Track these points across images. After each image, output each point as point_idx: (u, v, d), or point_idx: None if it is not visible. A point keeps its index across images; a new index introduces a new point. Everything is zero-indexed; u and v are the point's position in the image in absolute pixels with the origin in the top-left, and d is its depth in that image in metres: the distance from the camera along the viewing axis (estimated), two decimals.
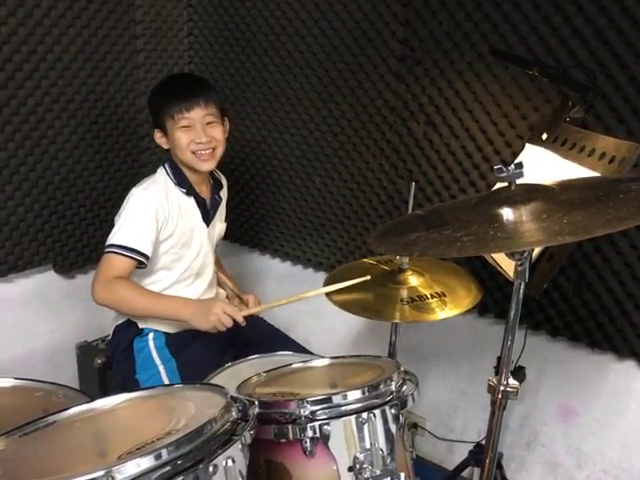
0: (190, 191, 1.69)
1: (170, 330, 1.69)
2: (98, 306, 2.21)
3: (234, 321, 1.52)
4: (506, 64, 1.62)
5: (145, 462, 0.81)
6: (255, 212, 2.28)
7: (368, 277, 1.54)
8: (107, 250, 1.56)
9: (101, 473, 0.79)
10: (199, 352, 1.65)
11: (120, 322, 1.72)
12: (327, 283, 1.63)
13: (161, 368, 1.63)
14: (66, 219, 1.99)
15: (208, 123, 1.63)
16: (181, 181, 1.68)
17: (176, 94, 1.63)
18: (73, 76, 1.90)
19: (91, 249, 2.09)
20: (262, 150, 2.19)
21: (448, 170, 1.81)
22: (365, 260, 1.76)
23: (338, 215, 2.09)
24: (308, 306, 2.28)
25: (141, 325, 1.69)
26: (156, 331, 1.68)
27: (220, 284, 1.91)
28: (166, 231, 1.63)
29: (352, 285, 1.54)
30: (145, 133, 2.16)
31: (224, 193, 1.84)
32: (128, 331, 1.70)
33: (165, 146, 1.68)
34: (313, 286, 2.22)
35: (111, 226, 2.11)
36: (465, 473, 1.85)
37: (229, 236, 2.33)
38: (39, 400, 1.26)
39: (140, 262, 1.57)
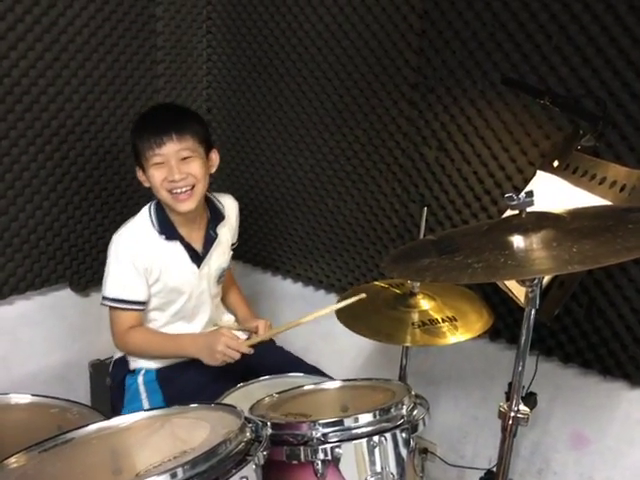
0: (173, 235, 1.59)
1: (160, 365, 1.68)
2: None
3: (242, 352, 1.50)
4: (518, 93, 1.64)
5: None
6: (268, 233, 2.31)
7: (364, 295, 1.52)
8: (104, 303, 1.59)
9: None
10: (188, 383, 1.62)
11: (118, 356, 1.75)
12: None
13: (145, 402, 1.63)
14: (84, 238, 2.03)
15: (184, 158, 1.50)
16: (163, 226, 1.58)
17: (148, 129, 1.50)
18: (96, 99, 1.96)
19: None
20: (276, 172, 2.23)
21: (460, 195, 1.83)
22: (377, 283, 1.77)
23: (350, 237, 2.11)
24: (319, 328, 2.29)
25: (132, 366, 1.69)
26: (147, 369, 1.68)
27: (232, 307, 1.91)
28: (151, 278, 1.59)
29: (350, 304, 1.52)
30: None
31: (225, 226, 1.71)
32: (122, 368, 1.72)
33: (146, 184, 1.57)
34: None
35: None
36: None
37: (242, 257, 2.37)
38: (54, 417, 1.28)
39: (142, 309, 1.60)
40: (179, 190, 1.51)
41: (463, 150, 1.79)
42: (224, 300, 1.89)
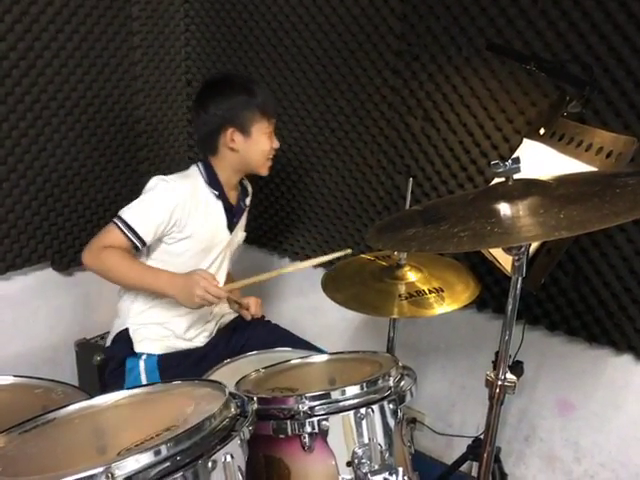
0: (221, 195, 1.66)
1: (163, 351, 1.66)
2: (96, 303, 2.22)
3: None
4: (503, 59, 1.61)
5: (144, 458, 0.82)
6: (252, 209, 2.27)
7: (349, 251, 1.57)
8: (114, 219, 1.56)
9: (100, 469, 0.79)
10: (189, 373, 1.58)
11: (119, 331, 1.70)
12: (326, 279, 1.63)
13: None
14: (64, 216, 1.99)
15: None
16: (213, 182, 1.65)
17: (268, 100, 1.63)
18: (70, 73, 1.89)
19: None
20: None
21: (446, 165, 1.81)
22: (363, 256, 1.76)
23: (336, 211, 2.09)
24: (307, 303, 2.29)
25: (137, 348, 1.65)
26: (149, 354, 1.66)
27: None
28: (184, 232, 1.60)
29: (333, 259, 1.57)
30: (143, 130, 2.16)
31: (249, 200, 1.82)
32: (124, 346, 1.67)
33: (234, 146, 1.61)
34: (312, 282, 2.22)
35: (108, 223, 2.13)
36: (464, 467, 1.86)
37: None
38: (38, 397, 1.26)
39: (135, 246, 1.56)
40: (271, 156, 1.67)
41: (449, 119, 1.77)
42: None
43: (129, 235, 1.54)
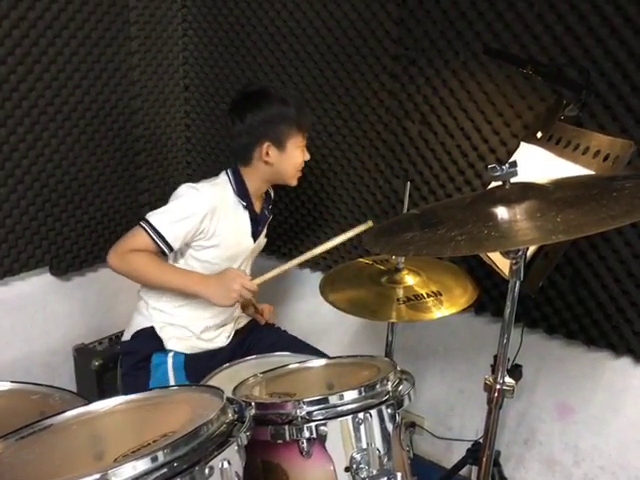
0: (248, 205, 1.67)
1: (189, 351, 1.69)
2: (95, 308, 2.21)
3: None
4: (500, 63, 1.62)
5: (141, 464, 0.81)
6: None
7: (370, 223, 1.57)
8: (142, 224, 1.55)
9: (97, 476, 0.79)
10: (213, 368, 1.60)
11: (142, 328, 1.70)
12: (324, 283, 1.63)
13: None
14: (62, 221, 1.99)
15: None
16: (242, 192, 1.66)
17: (304, 116, 1.65)
18: (67, 78, 1.89)
19: (87, 251, 2.08)
20: None
21: (443, 169, 1.81)
22: (361, 260, 1.76)
23: (334, 215, 2.09)
24: (305, 307, 2.29)
25: (168, 346, 1.67)
26: (177, 352, 1.68)
27: None
28: (212, 240, 1.61)
29: (354, 235, 1.57)
30: (141, 134, 2.16)
31: (271, 207, 1.83)
32: (150, 342, 1.68)
33: (268, 160, 1.62)
34: (310, 287, 2.22)
35: (107, 228, 2.14)
36: (463, 471, 1.86)
37: None
38: (36, 403, 1.25)
39: (162, 251, 1.56)
40: (301, 168, 1.69)
41: (446, 123, 1.77)
42: None
43: (157, 240, 1.54)
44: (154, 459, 0.82)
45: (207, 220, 1.57)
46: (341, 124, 1.97)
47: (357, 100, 1.92)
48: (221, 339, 1.76)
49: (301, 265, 2.25)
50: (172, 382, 1.64)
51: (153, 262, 1.56)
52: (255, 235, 1.72)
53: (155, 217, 1.56)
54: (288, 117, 1.61)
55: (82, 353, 2.08)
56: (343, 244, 2.07)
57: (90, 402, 1.06)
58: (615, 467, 1.79)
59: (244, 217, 1.68)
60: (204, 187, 1.60)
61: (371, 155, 1.95)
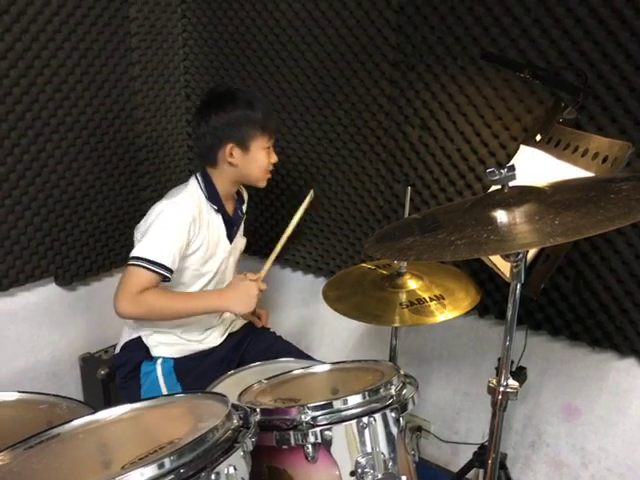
0: (220, 208, 1.68)
1: (179, 355, 1.70)
2: (100, 317, 2.23)
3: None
4: (498, 67, 1.63)
5: (148, 471, 0.82)
6: (254, 220, 2.30)
7: (312, 193, 1.70)
8: (133, 263, 1.51)
9: None
10: (205, 374, 1.64)
11: (130, 339, 1.72)
12: (327, 289, 1.64)
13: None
14: (66, 232, 2.01)
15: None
16: (213, 196, 1.66)
17: (269, 117, 1.65)
18: (70, 89, 1.91)
19: (92, 261, 2.10)
20: None
21: (444, 173, 1.82)
22: (364, 265, 1.77)
23: (336, 221, 2.10)
24: (309, 313, 2.30)
25: (153, 353, 1.68)
26: (166, 358, 1.69)
27: None
28: (193, 246, 1.61)
29: (305, 208, 1.69)
30: (143, 144, 2.18)
31: (245, 207, 1.85)
32: (137, 352, 1.70)
33: (232, 161, 1.63)
34: (313, 292, 2.23)
35: (110, 237, 2.15)
36: (470, 475, 1.85)
37: None
38: (43, 413, 1.26)
39: (165, 277, 1.54)
40: (271, 169, 1.71)
41: (446, 128, 1.78)
42: None
43: (157, 270, 1.52)
44: (161, 466, 0.83)
45: (191, 230, 1.58)
46: (342, 130, 1.99)
47: (357, 106, 1.93)
48: (211, 340, 1.77)
49: (304, 271, 2.28)
50: (163, 388, 1.66)
51: (164, 296, 1.54)
52: (230, 236, 1.73)
53: (142, 250, 1.52)
54: (252, 119, 1.61)
55: (88, 362, 2.09)
56: (345, 249, 2.10)
57: (97, 411, 1.07)
58: (622, 468, 1.78)
59: (217, 220, 1.69)
60: (180, 198, 1.59)
61: (372, 160, 1.96)
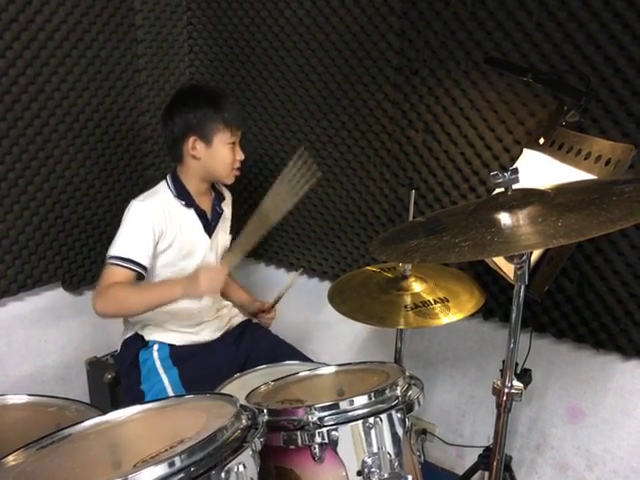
0: (189, 203, 1.71)
1: (175, 342, 1.73)
2: (107, 322, 2.24)
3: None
4: (501, 71, 1.64)
5: (159, 470, 0.83)
6: None
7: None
8: (107, 262, 1.59)
9: None
10: (202, 364, 1.69)
11: (127, 336, 1.77)
12: (332, 292, 1.66)
13: (164, 377, 1.68)
14: (74, 237, 2.03)
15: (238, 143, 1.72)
16: (181, 193, 1.70)
17: (229, 111, 1.66)
18: (78, 96, 1.94)
19: (99, 265, 2.11)
20: (264, 162, 2.23)
21: (448, 177, 1.83)
22: (368, 268, 1.78)
23: (341, 224, 2.11)
24: (314, 316, 2.31)
25: (147, 337, 1.73)
26: (161, 343, 1.72)
27: (235, 297, 1.97)
28: (164, 243, 1.65)
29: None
30: (149, 150, 2.20)
31: (227, 205, 1.86)
32: (134, 344, 1.74)
33: (195, 154, 1.67)
34: (319, 295, 2.24)
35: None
36: (475, 478, 1.86)
37: None
38: (52, 415, 1.28)
39: (139, 274, 1.58)
40: (237, 166, 1.72)
41: (449, 131, 1.80)
42: (226, 293, 1.94)
43: (128, 266, 1.57)
44: (171, 464, 0.84)
45: (157, 225, 1.62)
46: (346, 135, 2.00)
47: (361, 111, 1.95)
48: (207, 333, 1.79)
49: (309, 275, 2.29)
50: (160, 371, 1.67)
51: (130, 287, 1.57)
52: (208, 230, 1.75)
53: (114, 248, 1.59)
54: (215, 114, 1.65)
55: (95, 366, 2.11)
56: (350, 252, 2.11)
57: (106, 412, 1.09)
58: (628, 470, 1.79)
59: (189, 215, 1.71)
60: (144, 196, 1.67)
61: (376, 164, 1.97)
